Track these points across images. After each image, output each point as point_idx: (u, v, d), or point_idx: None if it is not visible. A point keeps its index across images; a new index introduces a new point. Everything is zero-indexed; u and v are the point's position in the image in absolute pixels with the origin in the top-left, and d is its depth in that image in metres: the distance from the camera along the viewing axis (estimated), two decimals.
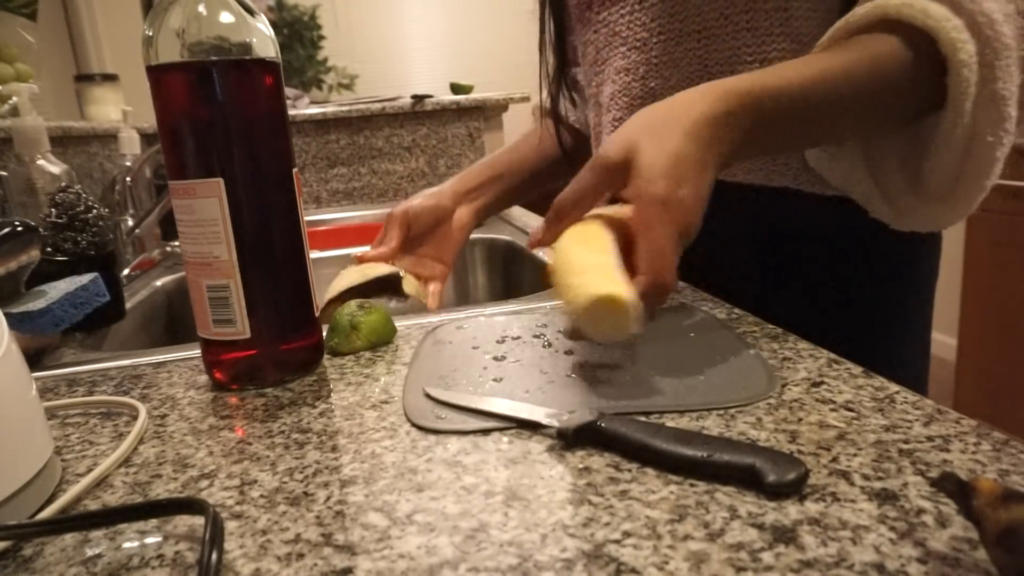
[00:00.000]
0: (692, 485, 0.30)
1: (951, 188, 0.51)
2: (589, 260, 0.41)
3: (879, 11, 0.47)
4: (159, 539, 0.30)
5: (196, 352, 0.54)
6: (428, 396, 0.41)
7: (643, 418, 0.37)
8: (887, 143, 0.54)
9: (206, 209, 0.43)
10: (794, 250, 0.61)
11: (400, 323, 0.57)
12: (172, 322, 0.93)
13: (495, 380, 0.43)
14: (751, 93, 0.45)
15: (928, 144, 0.51)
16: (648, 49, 0.61)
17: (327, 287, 0.65)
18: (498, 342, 0.50)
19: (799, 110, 0.46)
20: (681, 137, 0.42)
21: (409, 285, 0.70)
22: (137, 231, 1.05)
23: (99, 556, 0.29)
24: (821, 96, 0.46)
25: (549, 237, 0.46)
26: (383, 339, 0.53)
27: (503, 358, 0.47)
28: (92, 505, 0.33)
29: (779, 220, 0.61)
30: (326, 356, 0.51)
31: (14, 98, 0.78)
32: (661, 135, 0.42)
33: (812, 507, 0.28)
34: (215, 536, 0.27)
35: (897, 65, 0.47)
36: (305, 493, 0.32)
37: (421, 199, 0.77)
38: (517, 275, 0.98)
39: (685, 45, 0.59)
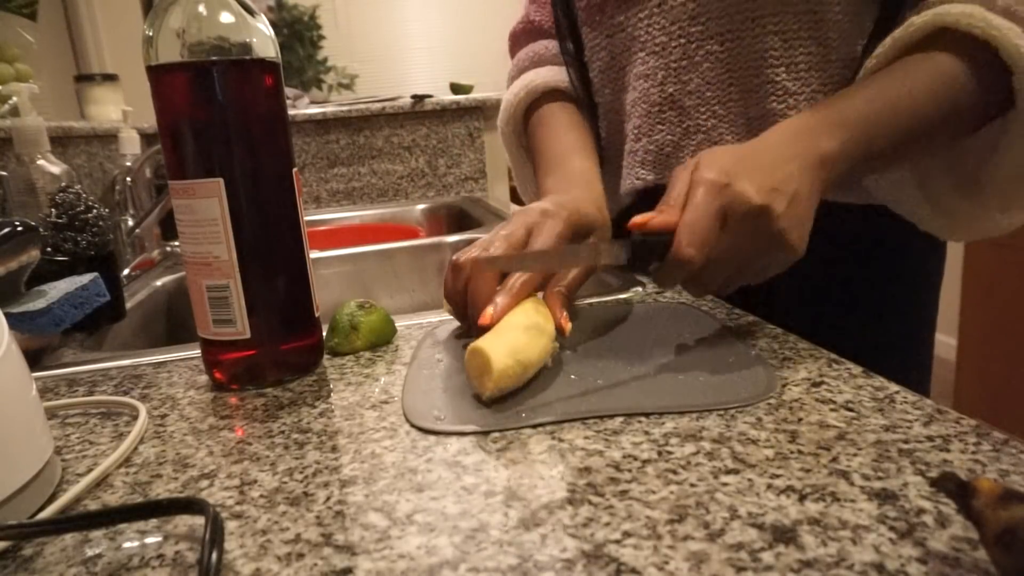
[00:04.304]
0: (692, 485, 0.30)
1: (1016, 191, 0.52)
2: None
3: (939, 20, 0.48)
4: (159, 539, 0.30)
5: (196, 352, 0.54)
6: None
7: (643, 418, 0.37)
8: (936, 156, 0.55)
9: (206, 209, 0.43)
10: None
11: (400, 323, 0.57)
12: (172, 322, 0.93)
13: None
14: (864, 122, 0.47)
15: (986, 151, 0.52)
16: (667, 54, 0.60)
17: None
18: None
19: (897, 140, 0.49)
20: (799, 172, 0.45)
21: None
22: (137, 231, 1.05)
23: (99, 556, 0.29)
24: (915, 126, 0.49)
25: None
26: (383, 339, 0.53)
27: None
28: (92, 505, 0.33)
29: None
30: (326, 356, 0.51)
31: (14, 98, 0.78)
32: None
33: (812, 507, 0.28)
34: (215, 536, 0.27)
35: (966, 82, 0.48)
36: (305, 493, 0.32)
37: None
38: None
39: (706, 48, 0.58)
